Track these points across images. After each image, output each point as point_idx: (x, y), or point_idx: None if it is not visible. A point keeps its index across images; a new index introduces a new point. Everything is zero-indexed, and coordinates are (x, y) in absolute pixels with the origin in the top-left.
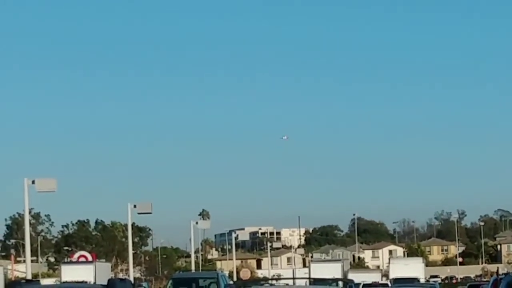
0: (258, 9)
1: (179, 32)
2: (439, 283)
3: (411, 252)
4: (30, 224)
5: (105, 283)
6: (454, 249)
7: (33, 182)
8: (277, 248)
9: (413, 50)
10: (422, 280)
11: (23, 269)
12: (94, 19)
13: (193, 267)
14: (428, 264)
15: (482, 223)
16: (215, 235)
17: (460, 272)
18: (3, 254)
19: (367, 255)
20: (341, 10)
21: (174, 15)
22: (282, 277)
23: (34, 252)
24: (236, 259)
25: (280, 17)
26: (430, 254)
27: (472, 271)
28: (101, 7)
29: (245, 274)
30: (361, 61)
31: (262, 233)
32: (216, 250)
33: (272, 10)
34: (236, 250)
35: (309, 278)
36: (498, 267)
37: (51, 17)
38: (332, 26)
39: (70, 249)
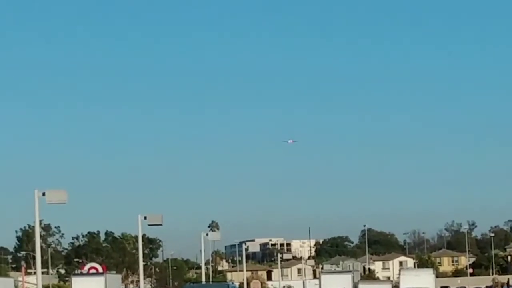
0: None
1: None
2: None
3: (421, 263)
4: (40, 236)
5: None
6: (465, 260)
7: (43, 194)
8: (288, 260)
9: (418, 59)
10: None
11: (33, 281)
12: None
13: (203, 279)
14: (438, 275)
15: (492, 234)
16: (226, 247)
17: (470, 283)
18: (13, 266)
19: (377, 266)
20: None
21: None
22: None
23: (44, 264)
24: (247, 270)
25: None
26: (440, 265)
27: (482, 282)
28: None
29: (256, 286)
30: (370, 70)
31: (272, 245)
32: (227, 261)
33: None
34: (246, 262)
35: None
36: (508, 278)
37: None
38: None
39: (80, 260)
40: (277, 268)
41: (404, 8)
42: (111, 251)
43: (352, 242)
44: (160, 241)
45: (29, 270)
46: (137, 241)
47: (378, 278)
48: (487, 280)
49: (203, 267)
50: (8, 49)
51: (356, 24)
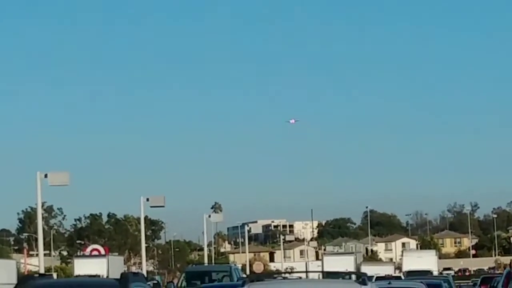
0: None
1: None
2: (452, 276)
3: (424, 245)
4: (42, 217)
5: (118, 276)
6: (467, 242)
7: (45, 175)
8: (290, 241)
9: (417, 44)
10: (435, 273)
11: (36, 263)
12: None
13: (206, 260)
14: (441, 256)
15: (495, 216)
16: (228, 228)
17: (473, 264)
18: (16, 248)
19: (380, 247)
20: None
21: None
22: (295, 270)
23: (46, 246)
24: (249, 252)
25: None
26: (443, 246)
27: (485, 263)
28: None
29: (258, 267)
30: (369, 57)
31: (275, 226)
32: (229, 243)
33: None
34: (249, 243)
35: (322, 271)
36: (511, 260)
37: None
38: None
39: (82, 242)
40: (280, 249)
41: None
42: (113, 233)
43: (355, 224)
44: (162, 222)
45: (31, 252)
46: (139, 222)
47: (380, 259)
48: (490, 261)
49: (206, 248)
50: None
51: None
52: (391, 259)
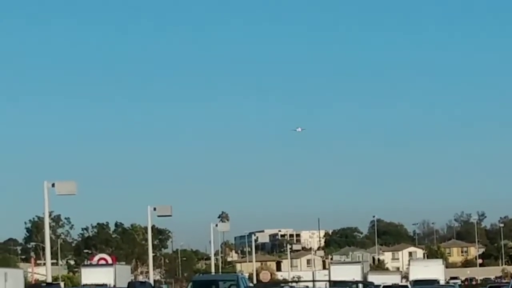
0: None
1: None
2: (459, 285)
3: (431, 254)
4: (50, 227)
5: (125, 285)
6: (474, 251)
7: (53, 185)
8: (297, 250)
9: (426, 50)
10: (442, 282)
11: (43, 272)
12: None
13: (213, 270)
14: (448, 265)
15: (502, 225)
16: (235, 238)
17: (480, 273)
18: (23, 257)
19: (387, 257)
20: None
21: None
22: (302, 279)
23: (54, 255)
24: (256, 261)
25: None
26: (450, 255)
27: (492, 272)
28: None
29: (265, 276)
30: (376, 62)
31: (281, 235)
32: (236, 252)
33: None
34: (256, 252)
35: (329, 280)
36: None
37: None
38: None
39: (90, 251)
40: (287, 259)
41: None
42: (120, 242)
43: (362, 233)
44: (169, 232)
45: (38, 261)
46: (146, 232)
47: (387, 268)
48: (497, 270)
49: (213, 258)
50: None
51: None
52: (398, 268)
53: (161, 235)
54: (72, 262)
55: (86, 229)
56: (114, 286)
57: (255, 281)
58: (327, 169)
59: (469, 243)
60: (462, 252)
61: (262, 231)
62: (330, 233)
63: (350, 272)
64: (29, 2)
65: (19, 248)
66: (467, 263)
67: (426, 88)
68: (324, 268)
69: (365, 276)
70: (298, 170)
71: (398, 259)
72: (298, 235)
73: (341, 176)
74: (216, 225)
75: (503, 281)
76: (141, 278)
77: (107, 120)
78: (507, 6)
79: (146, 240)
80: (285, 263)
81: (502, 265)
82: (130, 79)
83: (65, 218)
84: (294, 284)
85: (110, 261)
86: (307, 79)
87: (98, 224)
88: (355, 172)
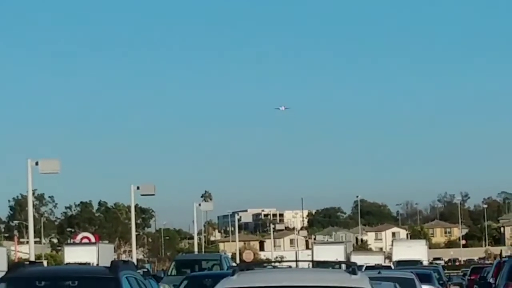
0: None
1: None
2: (442, 266)
3: (414, 235)
4: (33, 205)
5: (108, 264)
6: (457, 232)
7: (36, 163)
8: (280, 230)
9: (417, 33)
10: (425, 263)
11: (26, 250)
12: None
13: (196, 249)
14: (431, 246)
15: (485, 206)
16: (218, 217)
17: (463, 254)
18: (6, 235)
19: (370, 237)
20: None
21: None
22: (285, 259)
23: (37, 234)
24: (239, 241)
25: None
26: (433, 236)
27: (475, 253)
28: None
29: (248, 256)
30: (363, 45)
31: (265, 215)
32: (219, 232)
33: None
34: (239, 232)
35: (312, 260)
36: (501, 250)
37: None
38: None
39: (73, 230)
40: (270, 238)
41: None
42: (103, 221)
43: (345, 213)
44: (152, 211)
45: (21, 240)
46: (130, 211)
47: (370, 249)
48: (480, 251)
49: (196, 237)
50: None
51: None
52: (381, 249)
53: (144, 214)
54: (55, 241)
55: (70, 207)
56: (97, 265)
57: (238, 261)
58: (311, 148)
59: (452, 224)
60: (445, 233)
61: (245, 211)
62: (314, 213)
63: (333, 253)
64: None
65: (2, 226)
66: (450, 244)
67: (410, 72)
68: (307, 248)
69: (348, 257)
70: (282, 150)
71: (381, 239)
72: (281, 215)
73: (325, 156)
74: (199, 205)
75: (487, 262)
76: (124, 257)
77: (91, 98)
78: None
79: (129, 219)
80: (268, 243)
81: (485, 246)
82: (115, 57)
83: (49, 197)
84: (277, 264)
85: (93, 240)
86: (291, 58)
87: (81, 202)
88: (339, 152)
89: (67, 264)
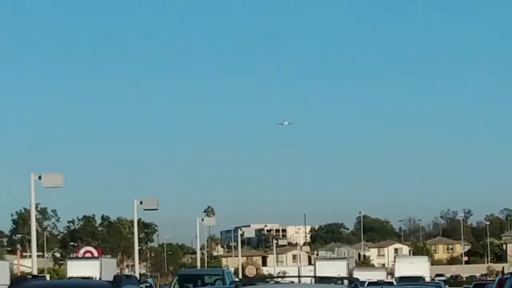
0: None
1: (173, 25)
2: (445, 282)
3: (416, 251)
4: (36, 219)
5: (111, 279)
6: (460, 248)
7: (39, 177)
8: (283, 246)
9: (422, 44)
10: (428, 279)
11: (29, 264)
12: (95, 11)
13: (198, 264)
14: (433, 262)
15: (488, 222)
16: (221, 232)
17: (465, 271)
18: (9, 249)
19: (372, 253)
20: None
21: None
22: (287, 275)
23: (40, 247)
24: (242, 256)
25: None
26: (435, 252)
27: (477, 270)
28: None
29: (251, 271)
30: (366, 59)
31: (267, 230)
32: (222, 247)
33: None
34: (241, 247)
35: (315, 276)
36: (503, 267)
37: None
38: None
39: (76, 244)
40: (272, 254)
41: None
42: (106, 235)
43: (348, 229)
44: (155, 225)
45: (24, 253)
46: (132, 225)
47: (373, 265)
48: (482, 268)
49: (198, 252)
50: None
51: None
52: (384, 265)
53: (147, 228)
54: (58, 255)
55: (72, 221)
56: (100, 279)
57: (240, 276)
58: (314, 164)
59: (455, 240)
60: (447, 249)
61: (248, 226)
62: (316, 228)
63: (335, 268)
64: None
65: (5, 240)
66: (452, 260)
67: (412, 86)
68: (309, 263)
69: (350, 272)
70: (285, 165)
71: (383, 255)
72: (284, 230)
73: (328, 171)
74: (202, 220)
75: (489, 278)
76: (127, 271)
77: (95, 113)
78: None
79: (132, 233)
80: (270, 258)
81: (487, 262)
82: (119, 73)
83: (52, 211)
84: (279, 279)
85: (96, 254)
86: (294, 73)
87: (84, 217)
88: (342, 168)
89: (69, 278)
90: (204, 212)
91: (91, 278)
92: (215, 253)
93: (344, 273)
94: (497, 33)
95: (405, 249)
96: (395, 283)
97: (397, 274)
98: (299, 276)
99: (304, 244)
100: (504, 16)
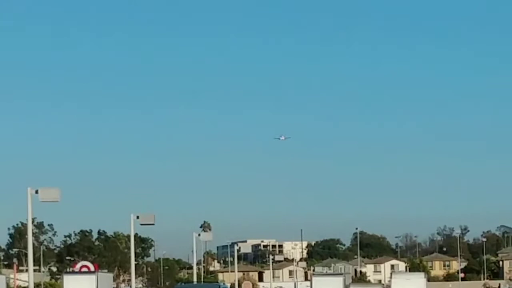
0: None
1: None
2: None
3: (413, 267)
4: (33, 233)
5: None
6: (456, 265)
7: (36, 191)
8: (279, 261)
9: (406, 65)
10: None
11: (25, 278)
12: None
13: (195, 279)
14: (430, 279)
15: (484, 239)
16: (217, 247)
17: None
18: (5, 263)
19: (369, 269)
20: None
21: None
22: None
23: (36, 262)
24: (238, 271)
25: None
26: (432, 269)
27: (474, 287)
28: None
29: (247, 287)
30: (365, 74)
31: (264, 246)
32: (218, 262)
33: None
34: (238, 263)
35: None
36: (499, 284)
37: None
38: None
39: (72, 259)
40: (269, 269)
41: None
42: (103, 250)
43: (344, 245)
44: (152, 240)
45: (21, 268)
46: (129, 240)
47: (369, 281)
48: (479, 285)
49: (195, 267)
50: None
51: (351, 29)
52: (380, 281)
53: (143, 243)
54: (54, 269)
55: (69, 236)
56: None
57: None
58: (310, 179)
59: (451, 257)
60: (444, 266)
61: (245, 241)
62: (313, 244)
63: (331, 284)
64: None
65: (1, 254)
66: (449, 277)
67: (411, 102)
68: (306, 279)
69: None
70: (281, 180)
71: (380, 271)
72: (280, 246)
73: (324, 187)
74: (199, 235)
75: None
76: (123, 286)
77: (92, 127)
78: None
79: (129, 248)
80: (267, 274)
81: (484, 279)
82: (116, 87)
83: (48, 225)
84: None
85: (92, 269)
86: (294, 88)
87: (81, 231)
88: (339, 184)
89: None
90: (201, 227)
91: None
92: (211, 268)
93: None
94: None
95: (401, 265)
96: None
97: None
98: None
99: (300, 260)
100: None
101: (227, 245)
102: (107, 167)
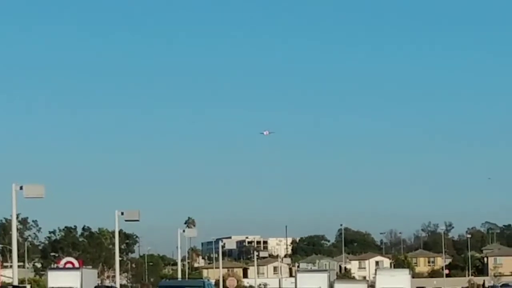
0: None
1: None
2: None
3: (397, 264)
4: (17, 229)
5: None
6: (441, 261)
7: (21, 187)
8: (264, 257)
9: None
10: None
11: (9, 275)
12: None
13: (179, 275)
14: (414, 275)
15: (469, 236)
16: (202, 244)
17: (446, 284)
18: None
19: (353, 265)
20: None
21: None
22: (268, 286)
23: (21, 258)
24: (223, 267)
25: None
26: (416, 265)
27: (458, 283)
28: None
29: (232, 283)
30: (350, 70)
31: (249, 242)
32: (203, 258)
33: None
34: (222, 259)
35: None
36: (484, 280)
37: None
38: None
39: (57, 255)
40: (253, 265)
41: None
42: (87, 246)
43: (329, 241)
44: (136, 236)
45: (5, 264)
46: (113, 236)
47: (354, 277)
48: (463, 281)
49: (179, 263)
50: None
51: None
52: (365, 277)
53: (128, 239)
54: (39, 265)
55: (54, 232)
56: None
57: (221, 287)
58: (295, 176)
59: (436, 253)
60: (429, 262)
61: (229, 238)
62: (297, 240)
63: (316, 280)
64: None
65: None
66: (433, 274)
67: (395, 100)
68: (290, 275)
69: (331, 285)
70: (266, 176)
71: (364, 268)
72: (265, 242)
73: (309, 183)
74: (183, 231)
75: None
76: (107, 282)
77: (75, 124)
78: None
79: (113, 244)
80: (251, 270)
81: (468, 276)
82: (101, 83)
83: (33, 221)
84: None
85: (77, 265)
86: (278, 85)
87: (65, 227)
88: (323, 180)
89: None
90: (185, 223)
91: None
92: (196, 265)
93: (325, 286)
94: None
95: (386, 261)
96: None
97: (378, 286)
98: None
99: (285, 256)
100: None
101: (211, 241)
102: (91, 163)
